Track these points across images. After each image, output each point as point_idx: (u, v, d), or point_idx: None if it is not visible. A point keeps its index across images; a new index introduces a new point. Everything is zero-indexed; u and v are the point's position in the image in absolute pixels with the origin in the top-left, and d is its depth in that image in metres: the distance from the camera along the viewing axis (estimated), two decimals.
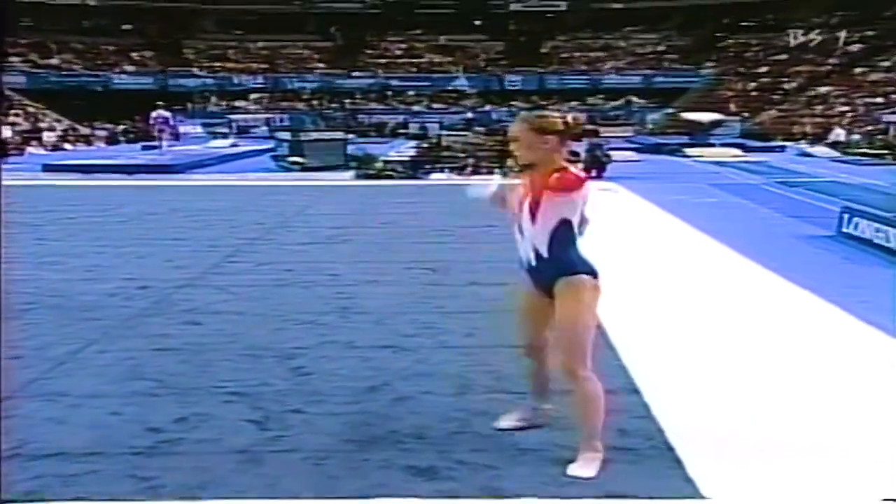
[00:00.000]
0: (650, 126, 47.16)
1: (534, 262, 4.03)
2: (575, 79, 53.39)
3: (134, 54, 55.52)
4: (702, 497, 3.67)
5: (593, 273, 3.93)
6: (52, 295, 7.59)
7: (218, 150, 32.35)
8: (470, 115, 45.35)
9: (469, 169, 23.45)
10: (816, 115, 43.96)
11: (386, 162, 24.44)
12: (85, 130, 44.31)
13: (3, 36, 40.96)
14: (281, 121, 44.22)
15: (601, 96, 50.65)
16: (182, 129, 41.87)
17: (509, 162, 21.77)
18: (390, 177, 22.24)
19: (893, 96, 42.44)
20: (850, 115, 42.44)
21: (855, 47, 50.42)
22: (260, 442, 4.27)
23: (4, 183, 18.26)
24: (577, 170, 3.92)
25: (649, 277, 8.13)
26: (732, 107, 46.95)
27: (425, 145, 29.04)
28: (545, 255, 3.94)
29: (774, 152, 33.31)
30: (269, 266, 9.12)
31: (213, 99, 52.31)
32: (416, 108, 51.99)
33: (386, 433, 4.36)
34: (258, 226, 12.28)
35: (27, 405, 4.77)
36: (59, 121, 44.45)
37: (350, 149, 25.82)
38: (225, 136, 41.12)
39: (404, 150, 30.36)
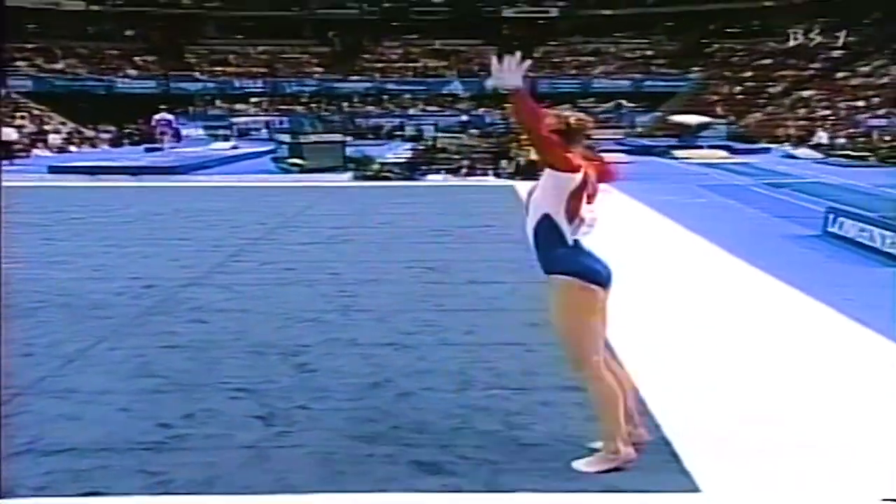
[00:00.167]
0: (639, 128, 47.10)
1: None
2: (566, 83, 53.24)
3: (137, 59, 55.32)
4: (697, 490, 3.66)
5: (577, 273, 3.72)
6: (61, 294, 7.57)
7: (219, 152, 32.23)
8: (464, 117, 45.29)
9: (464, 170, 23.44)
10: (799, 119, 43.96)
11: (383, 163, 24.39)
12: (89, 133, 44.14)
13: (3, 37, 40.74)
14: (280, 123, 44.02)
15: (591, 99, 50.44)
16: (184, 131, 41.73)
17: (503, 163, 21.56)
18: (387, 178, 22.21)
19: (874, 100, 42.50)
20: (831, 118, 42.44)
21: (836, 53, 50.50)
22: (266, 437, 4.25)
23: (12, 184, 18.19)
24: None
25: (642, 276, 8.10)
26: (719, 110, 46.90)
27: (421, 147, 29.04)
28: (535, 249, 3.85)
29: (760, 154, 33.32)
30: (271, 265, 9.10)
31: (217, 102, 52.12)
32: (411, 111, 51.84)
33: (389, 429, 4.34)
34: (260, 226, 12.25)
35: (38, 402, 4.75)
36: (64, 123, 44.26)
37: (348, 151, 25.75)
38: (226, 138, 40.97)
39: (401, 151, 30.33)
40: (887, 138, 34.12)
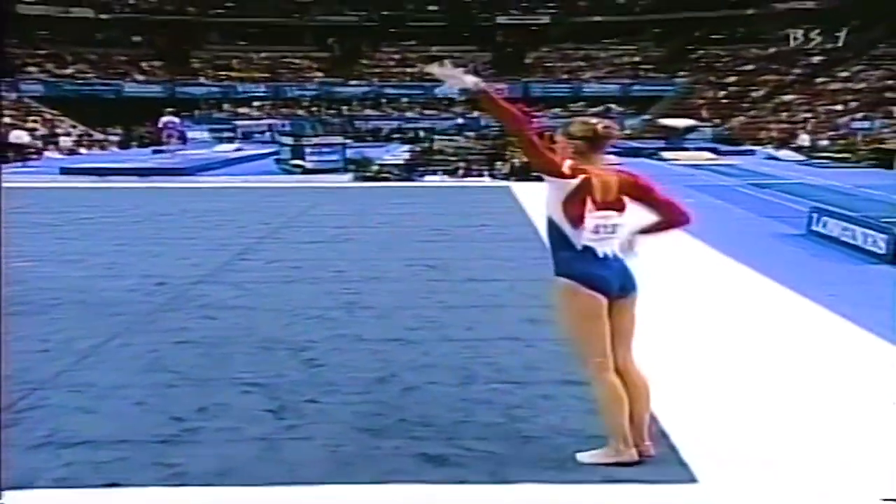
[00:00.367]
0: (628, 131, 47.13)
1: None
2: (557, 87, 53.31)
3: (144, 64, 55.20)
4: (694, 481, 3.65)
5: (575, 277, 3.63)
6: (74, 291, 7.53)
7: (224, 154, 32.16)
8: (460, 120, 45.26)
9: (461, 171, 23.44)
10: (781, 121, 44.05)
11: (382, 165, 24.39)
12: (99, 135, 44.06)
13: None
14: (283, 126, 43.87)
15: (582, 103, 50.41)
16: (189, 134, 41.61)
17: (498, 164, 21.55)
18: (386, 179, 22.21)
19: (852, 104, 42.58)
20: (812, 121, 42.53)
21: (816, 59, 50.56)
22: (277, 430, 4.22)
23: (25, 185, 18.15)
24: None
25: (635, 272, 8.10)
26: (704, 113, 46.97)
27: (419, 149, 29.02)
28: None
29: (744, 156, 33.37)
30: (277, 263, 9.08)
31: (225, 106, 51.98)
32: (409, 114, 51.83)
33: (396, 422, 4.32)
34: (264, 225, 12.21)
35: (56, 396, 4.72)
36: (74, 126, 44.14)
37: (348, 152, 25.71)
38: (230, 140, 40.91)
39: (399, 153, 30.29)
40: (866, 140, 34.21)
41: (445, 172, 23.43)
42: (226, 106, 52.03)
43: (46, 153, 34.69)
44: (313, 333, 6.09)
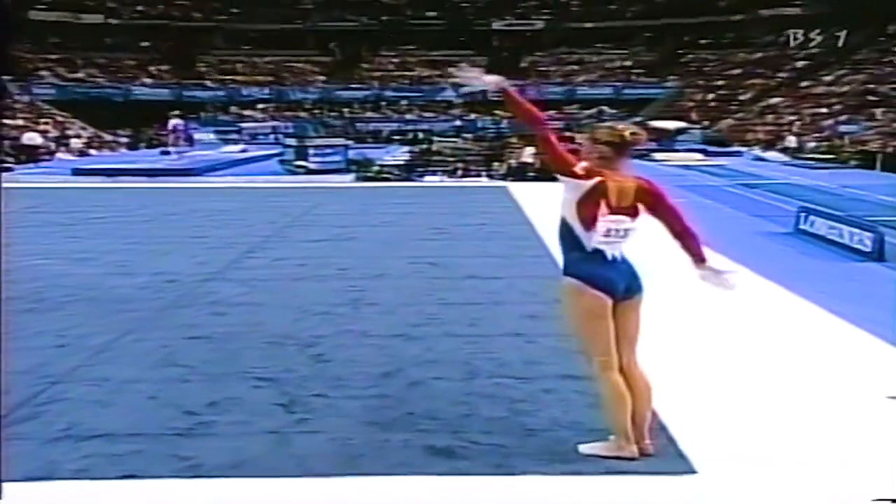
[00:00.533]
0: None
1: None
2: (551, 90, 53.21)
3: (152, 68, 55.07)
4: (693, 472, 3.64)
5: (581, 278, 3.60)
6: (88, 288, 7.49)
7: (230, 156, 32.09)
8: (458, 122, 45.24)
9: (459, 171, 23.43)
10: (768, 124, 44.04)
11: (383, 166, 24.35)
12: (108, 137, 43.86)
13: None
14: (286, 128, 43.81)
15: (575, 106, 50.39)
16: (196, 135, 41.52)
17: (495, 165, 21.56)
18: (387, 179, 22.17)
19: (835, 107, 42.58)
20: (797, 123, 42.53)
21: (801, 63, 50.59)
22: (288, 424, 4.20)
23: (38, 185, 18.13)
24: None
25: None
26: (693, 116, 46.93)
27: (418, 150, 29.00)
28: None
29: (732, 157, 33.36)
30: (283, 261, 9.05)
31: (231, 108, 51.88)
32: (408, 116, 51.74)
33: (403, 415, 4.30)
34: (270, 224, 12.17)
35: (74, 390, 4.70)
36: (84, 128, 43.96)
37: (350, 153, 25.67)
38: (235, 142, 40.82)
39: (399, 154, 30.24)
40: (849, 142, 34.24)
41: (444, 173, 23.42)
42: (231, 109, 51.91)
43: (58, 154, 34.62)
44: (320, 329, 6.07)
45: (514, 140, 29.93)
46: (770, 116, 45.50)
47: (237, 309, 6.75)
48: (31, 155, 31.46)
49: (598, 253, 3.61)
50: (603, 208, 3.56)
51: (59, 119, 44.16)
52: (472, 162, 24.41)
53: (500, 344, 5.61)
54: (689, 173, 24.90)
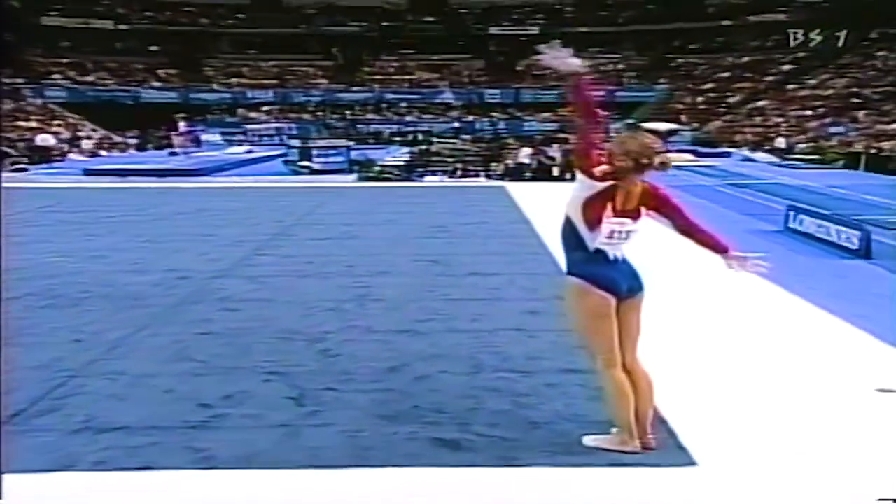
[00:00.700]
0: (613, 135, 47.06)
1: None
2: (547, 93, 53.15)
3: (160, 72, 54.99)
4: (693, 464, 3.63)
5: (585, 277, 3.56)
6: (102, 285, 7.45)
7: (236, 156, 32.07)
8: (456, 124, 45.19)
9: (458, 171, 23.41)
10: (756, 125, 44.03)
11: (384, 166, 24.33)
12: (118, 139, 43.82)
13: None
14: (290, 130, 43.80)
15: (570, 108, 50.49)
16: (203, 137, 41.49)
17: (492, 165, 21.52)
18: (388, 179, 22.14)
19: (820, 109, 42.57)
20: (783, 125, 42.54)
21: (787, 67, 50.60)
22: (298, 417, 4.19)
23: (51, 185, 18.09)
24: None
25: None
26: (683, 118, 46.96)
27: (418, 151, 28.97)
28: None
29: (722, 157, 33.33)
30: (291, 259, 9.01)
31: (237, 111, 51.79)
32: (408, 118, 51.69)
33: (410, 408, 4.28)
34: (276, 223, 12.11)
35: (91, 383, 4.68)
36: (95, 130, 43.93)
37: (352, 154, 25.64)
38: (241, 143, 40.79)
39: (400, 155, 30.20)
40: (836, 143, 34.25)
41: (444, 173, 23.40)
42: (237, 111, 51.85)
43: (70, 155, 34.59)
44: (328, 325, 6.04)
45: (510, 141, 29.96)
46: (758, 118, 45.50)
47: (247, 305, 6.72)
48: (44, 156, 31.46)
49: (601, 253, 3.58)
50: (608, 211, 3.53)
51: (71, 121, 44.15)
52: (470, 162, 24.39)
53: (503, 339, 5.59)
54: (680, 173, 24.81)
